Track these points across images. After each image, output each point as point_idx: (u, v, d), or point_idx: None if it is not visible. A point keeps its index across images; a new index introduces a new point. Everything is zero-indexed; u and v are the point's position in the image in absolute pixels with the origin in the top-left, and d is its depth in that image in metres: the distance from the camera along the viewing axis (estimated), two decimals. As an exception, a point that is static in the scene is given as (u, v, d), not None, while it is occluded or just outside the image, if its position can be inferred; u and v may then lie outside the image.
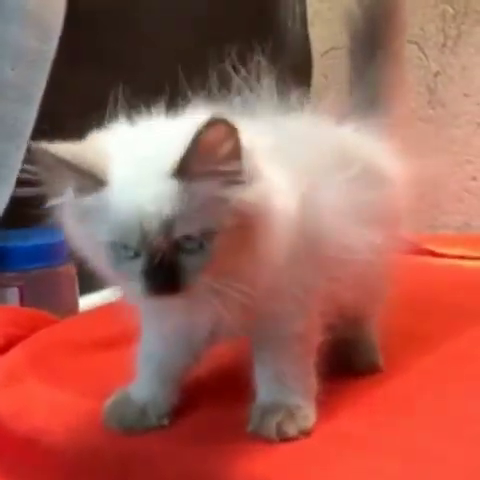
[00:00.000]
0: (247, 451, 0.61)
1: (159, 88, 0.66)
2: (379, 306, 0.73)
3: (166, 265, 0.56)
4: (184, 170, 0.55)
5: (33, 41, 0.92)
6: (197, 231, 0.56)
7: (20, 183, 0.89)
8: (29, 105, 0.91)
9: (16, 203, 0.92)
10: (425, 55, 1.47)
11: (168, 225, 0.55)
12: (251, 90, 0.68)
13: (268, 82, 0.68)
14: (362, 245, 0.64)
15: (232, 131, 0.55)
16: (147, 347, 0.68)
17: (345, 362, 0.73)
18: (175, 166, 0.55)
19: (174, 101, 0.63)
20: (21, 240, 0.93)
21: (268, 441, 0.62)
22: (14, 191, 0.90)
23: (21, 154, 0.92)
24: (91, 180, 0.56)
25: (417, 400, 0.68)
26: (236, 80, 0.68)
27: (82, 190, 0.57)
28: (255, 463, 0.60)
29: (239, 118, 0.58)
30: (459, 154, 1.45)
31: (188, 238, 0.56)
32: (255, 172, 0.57)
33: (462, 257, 1.15)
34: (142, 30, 1.14)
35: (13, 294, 0.92)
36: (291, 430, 0.63)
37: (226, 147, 0.56)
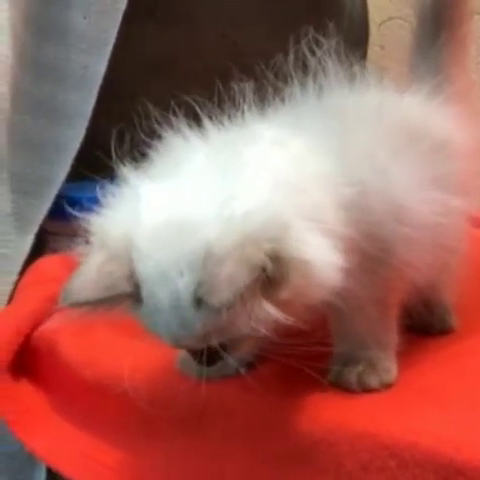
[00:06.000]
0: (327, 400, 0.60)
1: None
2: (454, 276, 0.72)
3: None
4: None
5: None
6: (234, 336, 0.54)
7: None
8: (99, 56, 0.91)
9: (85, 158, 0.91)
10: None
11: (202, 340, 0.54)
12: (323, 71, 0.65)
13: (334, 60, 0.66)
14: (443, 210, 0.63)
15: None
16: None
17: (421, 323, 0.72)
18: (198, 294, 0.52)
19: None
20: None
21: (349, 392, 0.62)
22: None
23: (90, 103, 0.92)
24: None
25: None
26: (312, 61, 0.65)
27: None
28: (336, 412, 0.59)
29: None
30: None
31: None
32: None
33: None
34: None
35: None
36: (373, 381, 0.62)
37: None
